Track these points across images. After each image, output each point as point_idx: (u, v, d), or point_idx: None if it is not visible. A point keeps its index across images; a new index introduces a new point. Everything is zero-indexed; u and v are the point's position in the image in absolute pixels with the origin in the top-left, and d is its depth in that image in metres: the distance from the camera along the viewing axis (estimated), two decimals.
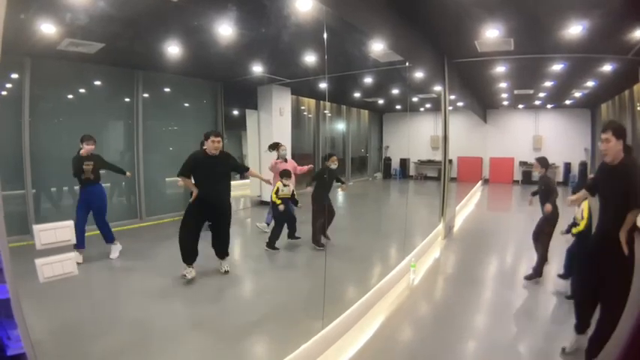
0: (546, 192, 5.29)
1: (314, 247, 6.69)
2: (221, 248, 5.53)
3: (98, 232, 6.01)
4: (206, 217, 5.39)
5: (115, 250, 6.12)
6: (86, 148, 5.71)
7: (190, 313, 4.31)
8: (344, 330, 3.80)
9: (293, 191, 6.75)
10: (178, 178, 5.28)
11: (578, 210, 4.77)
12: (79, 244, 5.60)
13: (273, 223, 6.86)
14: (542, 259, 5.33)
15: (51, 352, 3.38)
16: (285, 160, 7.36)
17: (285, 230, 6.78)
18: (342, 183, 7.16)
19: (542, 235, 5.37)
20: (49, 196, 7.46)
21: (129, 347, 3.54)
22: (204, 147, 5.24)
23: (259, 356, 3.69)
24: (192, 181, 5.20)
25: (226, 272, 5.47)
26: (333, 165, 6.78)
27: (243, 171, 5.85)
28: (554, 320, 4.20)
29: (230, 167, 5.46)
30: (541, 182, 5.47)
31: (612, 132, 3.03)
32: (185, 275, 5.15)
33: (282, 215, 6.59)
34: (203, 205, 5.18)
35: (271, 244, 6.54)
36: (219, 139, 5.16)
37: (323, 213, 6.70)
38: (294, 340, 3.32)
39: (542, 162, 5.49)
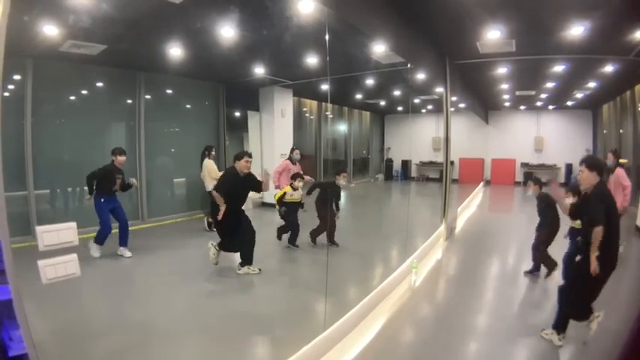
0: (546, 208, 5.31)
1: (309, 241, 6.91)
2: (248, 257, 5.62)
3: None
4: (236, 230, 5.50)
5: (126, 252, 6.33)
6: (120, 160, 6.14)
7: (191, 315, 4.30)
8: (346, 332, 3.79)
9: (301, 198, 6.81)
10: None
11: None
12: (102, 241, 6.05)
13: None
14: (546, 259, 5.35)
15: (53, 352, 3.38)
16: (295, 164, 7.43)
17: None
18: (338, 210, 7.05)
19: (540, 250, 5.47)
20: (60, 197, 7.57)
21: (130, 347, 3.54)
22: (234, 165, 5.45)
23: (261, 358, 3.69)
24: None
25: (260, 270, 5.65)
26: (343, 181, 6.80)
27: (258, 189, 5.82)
28: None
29: (252, 186, 5.63)
30: (540, 200, 5.50)
31: (585, 165, 3.55)
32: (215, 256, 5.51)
33: (287, 219, 6.69)
34: (232, 219, 5.35)
35: (292, 242, 6.75)
36: (251, 159, 5.45)
37: (326, 220, 6.74)
38: (296, 342, 3.31)
39: (537, 181, 5.62)
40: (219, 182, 5.44)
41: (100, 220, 5.99)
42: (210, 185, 7.47)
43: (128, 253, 6.30)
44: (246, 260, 5.59)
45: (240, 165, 5.39)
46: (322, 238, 6.85)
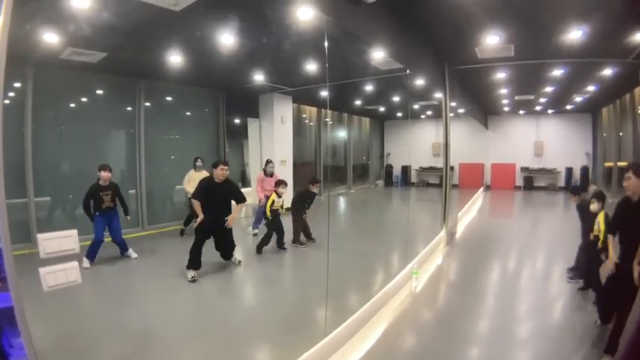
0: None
1: (295, 245, 7.28)
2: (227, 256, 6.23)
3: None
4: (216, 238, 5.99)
5: (133, 253, 6.59)
6: (103, 176, 6.13)
7: (190, 323, 4.29)
8: (346, 337, 3.77)
9: (283, 202, 7.03)
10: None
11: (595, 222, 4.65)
12: (92, 258, 6.06)
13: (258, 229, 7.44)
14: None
15: None
16: (271, 176, 7.65)
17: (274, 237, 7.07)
18: (308, 208, 7.59)
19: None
20: (60, 204, 7.61)
21: (131, 354, 3.53)
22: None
23: None
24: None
25: (240, 262, 6.24)
26: (315, 190, 7.44)
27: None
28: (558, 325, 4.17)
29: (232, 194, 5.93)
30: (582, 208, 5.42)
31: (632, 171, 3.44)
32: (194, 277, 5.45)
33: (272, 225, 6.90)
34: (213, 229, 5.82)
35: (259, 248, 6.82)
36: (226, 167, 5.71)
37: (300, 221, 7.41)
38: (297, 348, 3.30)
39: (575, 191, 5.55)
40: (197, 191, 5.68)
41: (95, 236, 6.07)
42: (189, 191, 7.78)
43: (134, 255, 6.55)
44: (227, 258, 6.20)
45: (216, 173, 5.65)
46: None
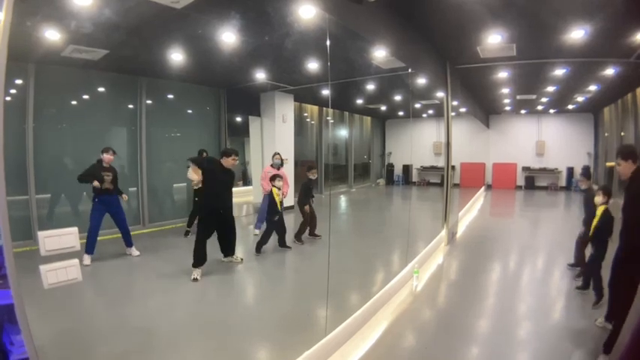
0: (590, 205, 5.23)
1: (294, 241, 7.37)
2: (229, 250, 6.23)
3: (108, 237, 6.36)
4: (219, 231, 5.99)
5: (135, 251, 6.56)
6: (106, 158, 6.14)
7: (191, 321, 4.29)
8: (347, 337, 3.78)
9: (282, 200, 6.88)
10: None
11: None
12: (90, 250, 5.95)
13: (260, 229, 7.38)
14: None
15: (54, 357, 3.37)
16: (278, 169, 7.63)
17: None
18: (312, 196, 7.64)
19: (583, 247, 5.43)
20: (62, 201, 7.58)
21: (132, 351, 3.53)
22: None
23: None
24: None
25: (242, 260, 6.28)
26: (312, 176, 7.56)
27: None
28: (558, 326, 4.17)
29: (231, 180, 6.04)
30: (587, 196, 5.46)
31: (620, 156, 3.41)
32: (196, 278, 5.40)
33: (273, 222, 6.79)
34: (216, 220, 5.83)
35: (258, 248, 6.73)
36: (237, 158, 5.86)
37: (306, 214, 7.44)
38: (297, 347, 3.30)
39: (588, 175, 5.59)
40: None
41: (90, 225, 5.96)
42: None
43: (136, 252, 6.52)
44: (228, 253, 6.19)
45: (227, 162, 5.72)
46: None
